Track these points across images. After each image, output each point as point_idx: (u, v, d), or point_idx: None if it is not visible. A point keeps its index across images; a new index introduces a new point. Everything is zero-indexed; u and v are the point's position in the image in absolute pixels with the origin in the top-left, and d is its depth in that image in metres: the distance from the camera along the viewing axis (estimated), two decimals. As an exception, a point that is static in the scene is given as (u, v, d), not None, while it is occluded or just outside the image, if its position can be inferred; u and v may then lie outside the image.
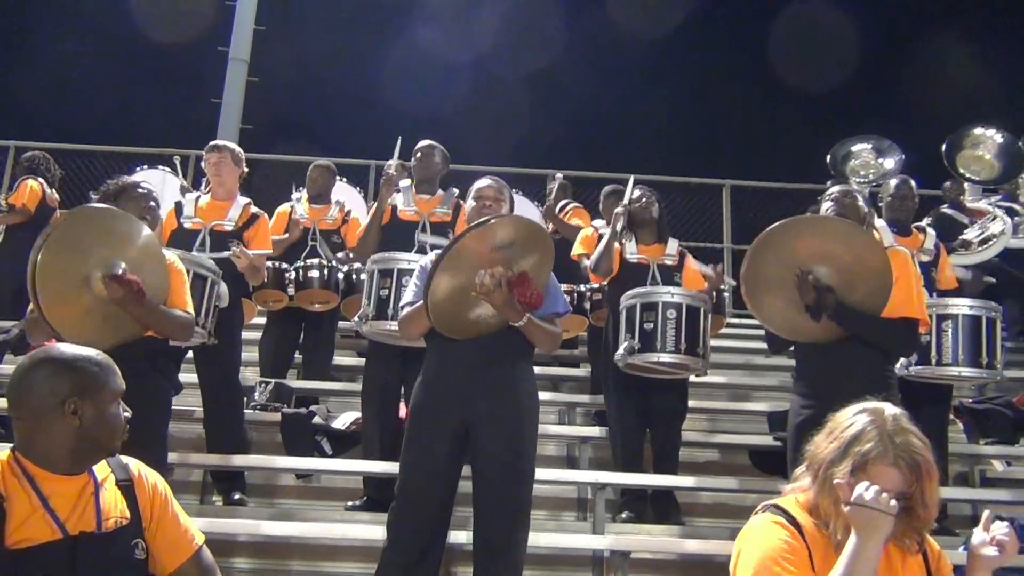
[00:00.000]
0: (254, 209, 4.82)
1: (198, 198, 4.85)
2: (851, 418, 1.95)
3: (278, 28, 11.89)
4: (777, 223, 3.43)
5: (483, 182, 3.66)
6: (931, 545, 2.04)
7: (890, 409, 1.96)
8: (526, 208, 7.03)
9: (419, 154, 4.95)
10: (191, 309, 3.53)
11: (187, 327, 3.47)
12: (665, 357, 4.40)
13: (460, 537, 3.66)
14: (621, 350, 4.45)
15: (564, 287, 5.78)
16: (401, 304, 3.54)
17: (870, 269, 3.34)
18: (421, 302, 3.22)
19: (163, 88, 13.47)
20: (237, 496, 4.54)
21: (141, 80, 13.56)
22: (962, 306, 4.41)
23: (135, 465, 2.15)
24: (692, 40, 14.19)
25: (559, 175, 7.34)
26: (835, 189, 3.74)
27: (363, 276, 4.75)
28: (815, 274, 3.33)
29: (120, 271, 3.15)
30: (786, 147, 11.96)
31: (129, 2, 13.04)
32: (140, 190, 3.62)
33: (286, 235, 5.68)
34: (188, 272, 3.90)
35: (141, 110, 12.59)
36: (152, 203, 3.62)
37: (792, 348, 3.83)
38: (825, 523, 1.93)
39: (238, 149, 4.91)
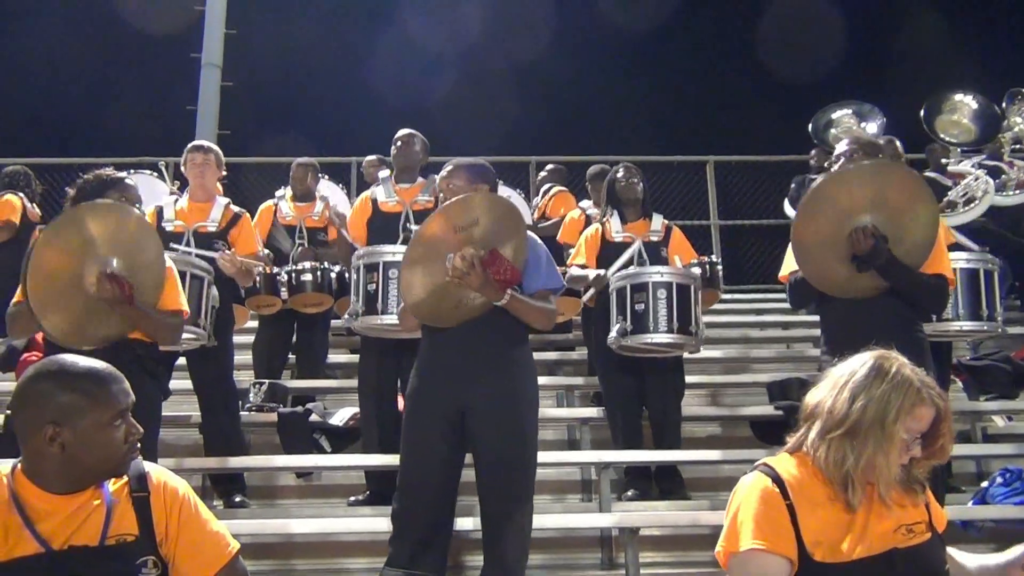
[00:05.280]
0: (236, 208, 4.78)
1: (176, 201, 4.81)
2: (866, 369, 1.94)
3: (250, 30, 11.80)
4: (842, 169, 3.39)
5: (443, 171, 3.46)
6: (930, 498, 2.05)
7: (891, 352, 1.98)
8: (511, 198, 6.96)
9: (399, 143, 4.90)
10: (185, 307, 3.46)
11: (176, 330, 3.41)
12: (658, 338, 4.37)
13: (468, 524, 3.62)
14: (613, 333, 4.42)
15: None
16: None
17: (922, 223, 3.30)
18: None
19: (139, 97, 13.34)
20: (238, 499, 4.49)
21: (116, 90, 13.43)
22: (959, 260, 4.35)
23: (156, 474, 2.03)
24: (672, 23, 14.14)
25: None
26: (884, 138, 3.65)
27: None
28: (872, 223, 3.26)
29: (111, 270, 3.08)
30: (767, 120, 11.94)
31: (99, 14, 12.90)
32: (125, 185, 3.53)
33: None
34: (185, 274, 3.87)
35: (118, 121, 12.46)
36: (137, 201, 3.56)
37: (812, 306, 3.78)
38: (844, 481, 1.90)
39: (220, 152, 4.88)
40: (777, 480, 1.93)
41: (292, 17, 13.70)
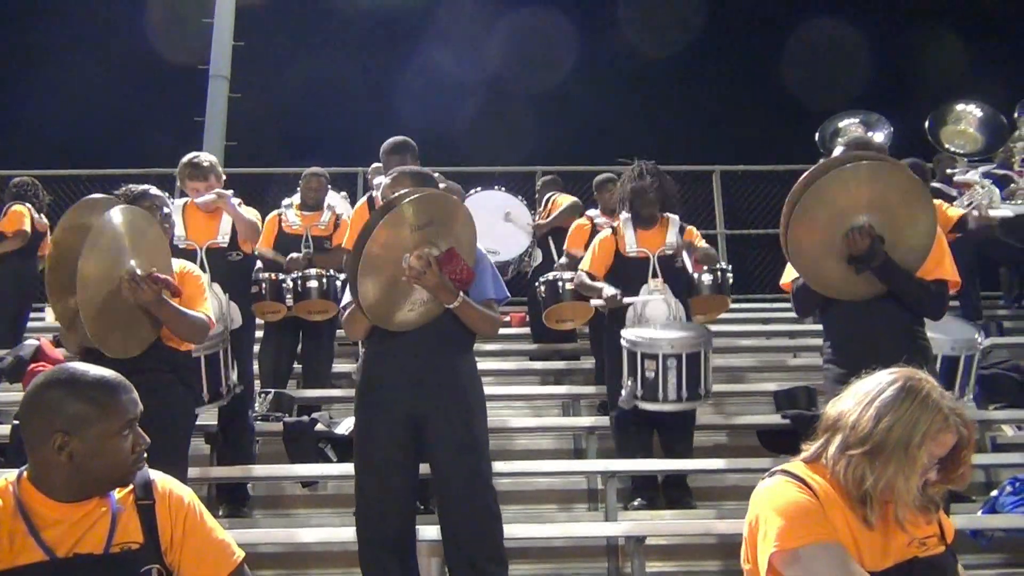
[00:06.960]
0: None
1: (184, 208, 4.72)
2: (895, 389, 1.88)
3: (257, 43, 11.87)
4: (839, 166, 3.24)
5: (386, 179, 3.50)
6: (942, 515, 2.01)
7: (919, 372, 1.93)
8: (511, 204, 6.92)
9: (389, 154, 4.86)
10: (209, 312, 3.47)
11: (204, 329, 3.41)
12: (668, 407, 4.42)
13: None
14: (624, 394, 4.44)
15: (567, 275, 5.75)
16: (342, 304, 3.48)
17: (918, 227, 3.25)
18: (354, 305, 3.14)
19: (146, 109, 13.42)
20: (245, 510, 4.50)
21: (123, 103, 13.51)
22: (943, 344, 4.19)
23: (162, 482, 2.01)
24: (680, 36, 14.17)
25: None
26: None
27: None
28: (869, 222, 3.19)
29: (140, 271, 3.11)
30: (774, 129, 11.94)
31: (106, 27, 13.01)
32: (153, 195, 3.62)
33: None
34: None
35: (125, 132, 12.53)
36: (167, 210, 3.65)
37: (817, 315, 3.75)
38: (861, 498, 1.87)
39: (215, 163, 4.75)
40: (805, 484, 1.89)
41: (299, 30, 13.79)
